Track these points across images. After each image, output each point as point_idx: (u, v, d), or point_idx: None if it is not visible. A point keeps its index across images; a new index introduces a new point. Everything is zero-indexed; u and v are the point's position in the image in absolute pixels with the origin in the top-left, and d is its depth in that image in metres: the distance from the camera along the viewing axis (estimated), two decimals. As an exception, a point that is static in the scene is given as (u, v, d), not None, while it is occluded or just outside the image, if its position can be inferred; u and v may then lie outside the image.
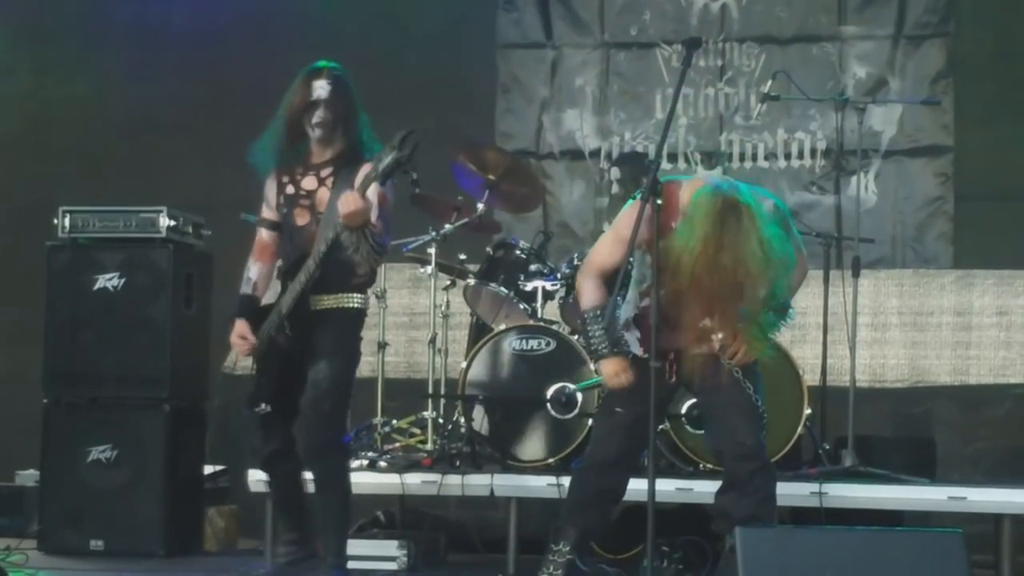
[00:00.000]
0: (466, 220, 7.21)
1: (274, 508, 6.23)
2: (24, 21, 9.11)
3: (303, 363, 5.66)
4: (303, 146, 5.75)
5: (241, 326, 5.76)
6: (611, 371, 5.36)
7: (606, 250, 5.43)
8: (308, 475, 5.79)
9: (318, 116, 5.69)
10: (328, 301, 5.68)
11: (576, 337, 6.76)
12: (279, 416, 5.69)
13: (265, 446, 5.76)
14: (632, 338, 5.47)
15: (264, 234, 5.85)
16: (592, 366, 5.76)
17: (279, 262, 5.86)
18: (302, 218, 5.72)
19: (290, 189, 5.75)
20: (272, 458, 5.78)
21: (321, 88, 5.73)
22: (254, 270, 5.83)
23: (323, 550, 5.75)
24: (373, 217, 5.54)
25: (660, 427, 6.48)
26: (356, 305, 5.72)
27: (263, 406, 5.70)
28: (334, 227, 5.55)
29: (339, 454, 5.75)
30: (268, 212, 5.85)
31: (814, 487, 6.29)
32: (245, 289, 5.83)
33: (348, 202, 5.47)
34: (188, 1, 8.96)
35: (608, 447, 5.47)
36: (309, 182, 5.73)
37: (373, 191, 5.54)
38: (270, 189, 5.82)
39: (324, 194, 5.69)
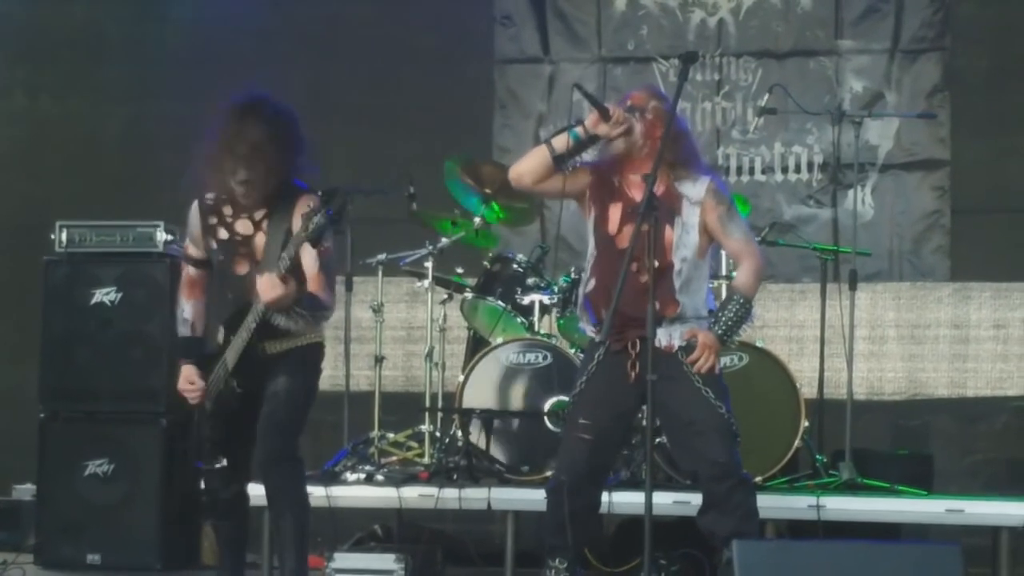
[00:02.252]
0: (463, 234, 7.21)
1: (226, 547, 5.83)
2: (18, 39, 9.12)
3: (257, 408, 5.55)
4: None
5: (189, 372, 5.63)
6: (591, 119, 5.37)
7: None
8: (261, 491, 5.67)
9: (241, 175, 5.47)
10: (280, 346, 5.56)
11: (574, 351, 6.75)
12: (240, 462, 5.61)
13: (227, 488, 5.66)
14: (585, 319, 5.49)
15: (191, 271, 5.71)
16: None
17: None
18: (241, 267, 5.58)
19: (223, 234, 5.58)
20: (235, 500, 5.69)
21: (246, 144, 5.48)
22: (188, 309, 5.70)
23: (280, 569, 5.65)
24: (313, 275, 5.42)
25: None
26: (312, 341, 5.60)
27: (223, 462, 5.60)
28: (258, 312, 5.44)
29: (292, 466, 5.58)
30: (194, 249, 5.69)
31: (812, 500, 6.28)
32: (183, 331, 5.70)
33: (267, 289, 5.37)
34: (183, 18, 8.97)
35: (575, 470, 5.38)
36: (243, 226, 5.57)
37: (307, 249, 5.40)
38: (194, 225, 5.65)
39: (261, 239, 5.54)
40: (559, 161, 5.39)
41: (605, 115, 5.32)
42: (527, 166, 5.45)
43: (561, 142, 5.38)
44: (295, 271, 5.46)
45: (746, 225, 5.53)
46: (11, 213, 8.87)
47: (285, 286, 5.39)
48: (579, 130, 5.37)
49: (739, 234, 5.44)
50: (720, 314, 5.37)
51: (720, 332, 5.34)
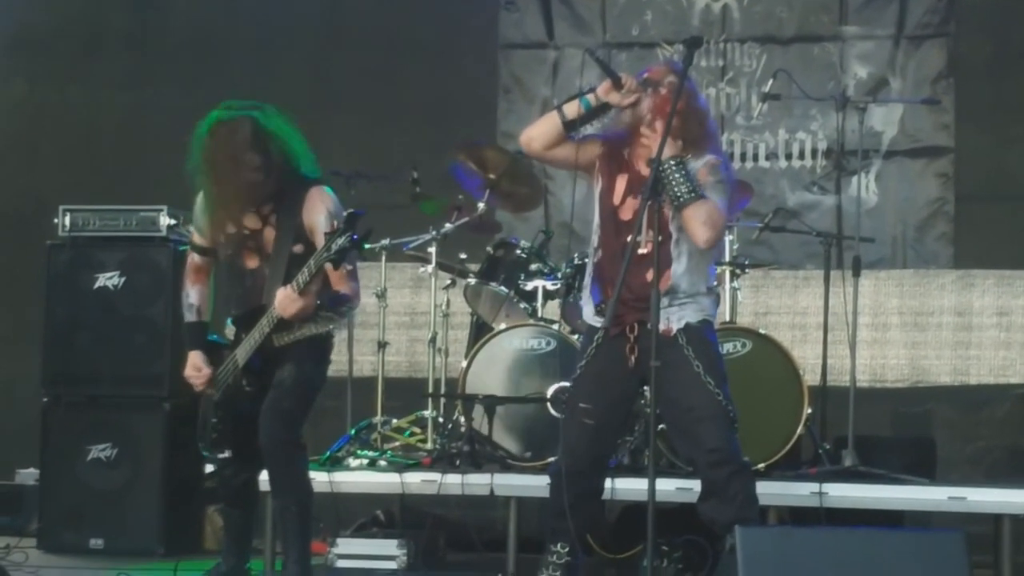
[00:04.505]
0: (466, 219, 7.21)
1: (233, 534, 5.88)
2: (18, 28, 9.10)
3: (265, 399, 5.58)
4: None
5: (195, 358, 5.66)
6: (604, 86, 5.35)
7: None
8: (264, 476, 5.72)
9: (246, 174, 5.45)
10: (289, 336, 5.56)
11: (576, 337, 6.75)
12: (250, 452, 5.62)
13: (238, 475, 5.72)
14: (587, 303, 5.47)
15: (196, 257, 5.73)
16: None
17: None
18: (251, 261, 5.59)
19: (231, 228, 5.57)
20: (244, 488, 5.74)
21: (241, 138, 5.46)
22: (193, 294, 5.72)
23: (284, 556, 5.67)
24: (337, 282, 5.44)
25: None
26: (321, 331, 5.61)
27: (226, 453, 5.67)
28: (273, 318, 5.45)
29: (295, 452, 5.59)
30: (199, 238, 5.70)
31: (814, 487, 6.27)
32: (189, 316, 5.73)
33: (285, 305, 5.37)
34: (183, 6, 8.96)
35: (576, 455, 5.38)
36: (251, 220, 5.56)
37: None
38: (200, 217, 5.65)
39: (270, 233, 5.54)
40: (569, 127, 5.41)
41: (617, 83, 5.34)
42: (537, 131, 5.48)
43: (572, 108, 5.41)
44: (306, 260, 5.46)
45: (727, 202, 5.37)
46: (10, 201, 8.87)
47: (303, 300, 5.40)
48: (590, 97, 5.40)
49: (712, 198, 5.28)
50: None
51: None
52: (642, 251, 5.22)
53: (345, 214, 5.33)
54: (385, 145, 8.41)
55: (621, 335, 5.35)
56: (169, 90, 8.71)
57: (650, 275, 5.12)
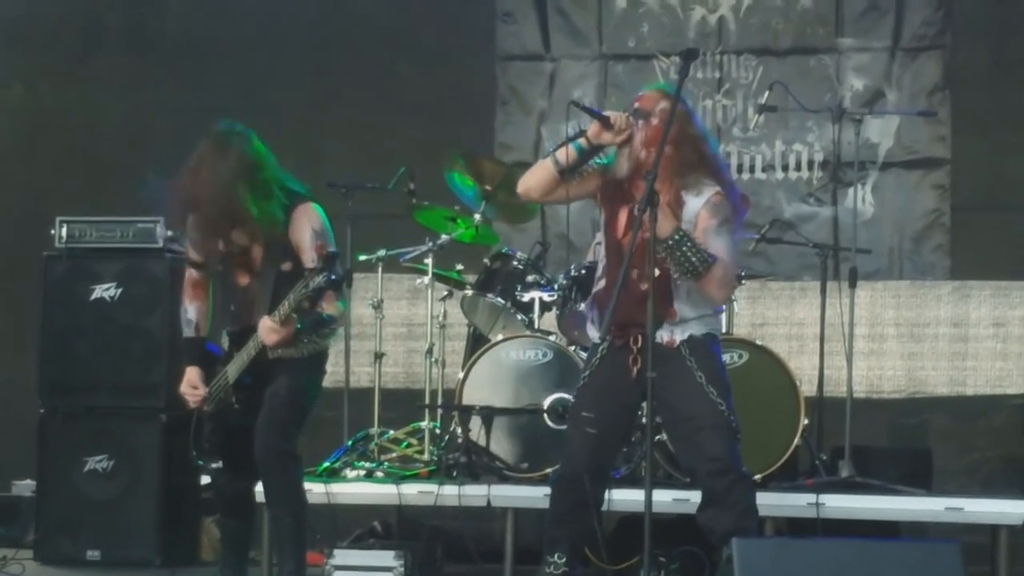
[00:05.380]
0: (461, 232, 7.21)
1: (230, 545, 5.93)
2: (16, 29, 9.10)
3: (259, 410, 5.60)
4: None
5: (192, 375, 5.71)
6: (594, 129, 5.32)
7: None
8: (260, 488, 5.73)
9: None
10: (283, 351, 5.59)
11: (573, 348, 6.76)
12: (245, 462, 5.64)
13: (233, 484, 5.74)
14: (592, 317, 5.49)
15: (194, 273, 5.77)
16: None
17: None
18: (243, 278, 5.64)
19: (220, 245, 5.62)
20: (240, 498, 5.76)
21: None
22: (191, 310, 5.77)
23: (279, 567, 5.70)
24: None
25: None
26: (314, 351, 5.64)
27: (219, 463, 5.70)
28: (259, 342, 5.50)
29: (290, 463, 5.63)
30: (194, 254, 5.75)
31: (811, 498, 6.28)
32: (188, 332, 5.78)
33: (267, 334, 5.44)
34: (182, 10, 8.97)
35: (576, 463, 5.39)
36: (240, 237, 5.60)
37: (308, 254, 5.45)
38: (192, 234, 5.69)
39: (258, 251, 5.59)
40: (565, 174, 5.37)
41: (606, 124, 5.31)
42: (534, 180, 5.46)
43: (565, 154, 5.37)
44: (294, 277, 5.47)
45: (732, 245, 5.38)
46: (9, 205, 8.86)
47: (285, 329, 5.43)
48: (582, 141, 5.36)
49: (717, 249, 5.27)
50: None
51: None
52: (644, 286, 5.21)
53: (323, 254, 5.37)
54: (382, 154, 8.41)
55: (625, 346, 5.36)
56: (168, 91, 8.72)
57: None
